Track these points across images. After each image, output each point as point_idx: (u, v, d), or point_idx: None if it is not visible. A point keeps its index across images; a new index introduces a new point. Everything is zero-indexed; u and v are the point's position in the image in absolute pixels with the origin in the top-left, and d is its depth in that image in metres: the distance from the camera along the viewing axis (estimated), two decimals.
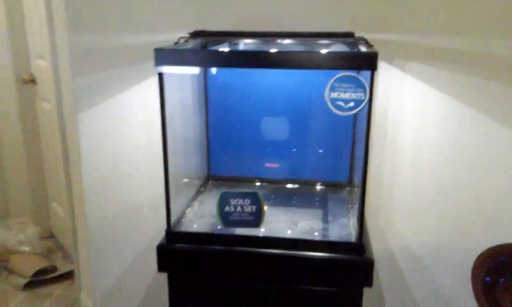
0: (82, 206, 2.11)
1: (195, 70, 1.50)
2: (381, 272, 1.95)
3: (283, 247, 1.34)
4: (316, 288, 1.36)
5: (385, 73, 1.69)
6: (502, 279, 1.44)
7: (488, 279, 1.41)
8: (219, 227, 1.42)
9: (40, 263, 2.66)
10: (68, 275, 2.65)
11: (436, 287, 1.91)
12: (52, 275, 2.62)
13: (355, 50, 1.26)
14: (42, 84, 2.74)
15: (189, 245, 1.37)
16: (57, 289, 2.55)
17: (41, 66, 2.69)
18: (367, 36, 1.55)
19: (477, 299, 1.32)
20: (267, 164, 1.86)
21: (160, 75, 1.27)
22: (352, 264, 1.30)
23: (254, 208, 1.36)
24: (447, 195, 1.81)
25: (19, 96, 2.88)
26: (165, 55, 1.25)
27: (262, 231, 1.39)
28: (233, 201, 1.36)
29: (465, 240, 1.71)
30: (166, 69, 1.26)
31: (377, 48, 1.44)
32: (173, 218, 1.43)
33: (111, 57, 1.87)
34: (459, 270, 1.77)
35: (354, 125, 1.69)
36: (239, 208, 1.37)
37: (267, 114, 1.75)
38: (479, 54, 1.65)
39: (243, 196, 1.36)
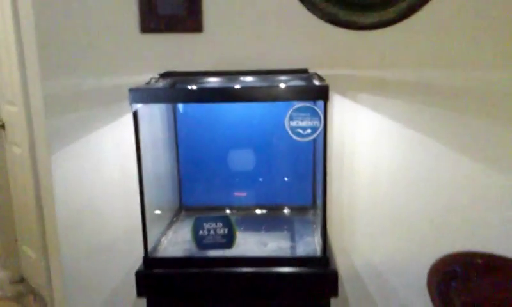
0: (56, 244, 2.15)
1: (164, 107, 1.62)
2: (347, 288, 2.08)
3: (255, 265, 1.45)
4: (287, 301, 1.46)
5: (339, 104, 1.87)
6: (453, 283, 1.60)
7: (442, 286, 1.56)
8: (193, 251, 1.51)
9: None
10: None
11: (398, 298, 2.05)
12: None
13: (309, 84, 1.42)
14: (12, 128, 2.79)
15: (166, 269, 1.47)
16: None
17: (11, 111, 2.75)
18: (320, 72, 1.73)
19: (433, 301, 1.46)
20: (236, 193, 1.98)
21: (135, 113, 1.39)
22: (318, 276, 1.43)
23: (226, 230, 1.48)
24: (400, 214, 1.97)
25: None
26: (139, 94, 1.37)
27: (234, 252, 1.50)
28: (206, 225, 1.47)
29: (419, 253, 1.85)
30: (140, 106, 1.38)
31: (330, 82, 1.62)
32: (149, 246, 1.51)
33: (83, 99, 1.97)
34: (416, 281, 1.91)
35: (314, 152, 1.85)
36: (212, 232, 1.48)
37: (234, 146, 1.89)
38: (422, 83, 1.85)
39: (215, 219, 1.47)
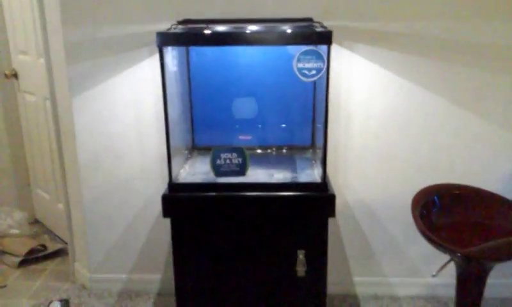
0: (76, 184, 2.36)
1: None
2: (340, 223, 2.33)
3: (265, 190, 1.68)
4: (291, 221, 1.70)
5: (336, 53, 2.06)
6: (434, 209, 1.85)
7: (423, 211, 1.80)
8: (210, 178, 1.74)
9: (31, 243, 2.87)
10: (58, 254, 2.87)
11: (386, 231, 2.31)
12: (43, 253, 2.83)
13: (314, 30, 1.61)
14: (25, 78, 2.95)
15: (188, 193, 1.69)
16: (50, 265, 2.77)
17: (24, 60, 2.90)
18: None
19: (418, 225, 1.70)
20: (242, 136, 2.19)
21: (161, 54, 1.57)
22: (319, 199, 1.66)
23: (240, 160, 1.70)
24: (389, 155, 2.21)
25: (1, 90, 3.06)
26: (165, 37, 1.56)
27: (246, 180, 1.72)
28: (223, 155, 1.69)
29: (406, 190, 2.06)
30: (165, 49, 1.57)
31: None
32: (173, 177, 1.73)
33: (102, 47, 2.14)
34: (402, 214, 2.14)
35: (314, 98, 2.05)
36: (228, 161, 1.70)
37: (242, 91, 2.08)
38: (415, 35, 2.05)
39: (231, 150, 1.69)
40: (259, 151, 2.14)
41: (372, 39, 2.05)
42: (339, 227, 2.33)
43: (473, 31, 2.02)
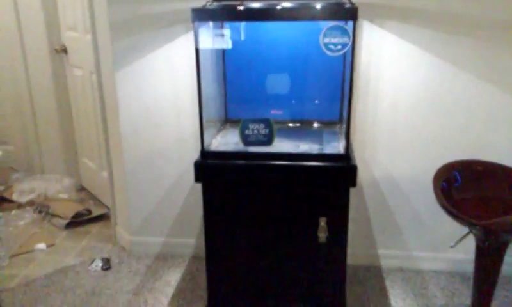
0: (119, 153, 2.54)
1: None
2: (367, 197, 2.40)
3: (290, 159, 1.78)
4: (315, 190, 1.80)
5: (367, 30, 2.12)
6: (455, 184, 1.89)
7: (444, 184, 1.85)
8: (239, 147, 1.85)
9: (77, 207, 3.10)
10: (101, 218, 3.08)
11: (411, 206, 2.37)
12: (88, 216, 3.06)
13: (341, 6, 1.68)
14: (73, 53, 3.15)
15: (218, 160, 1.81)
16: (94, 228, 2.99)
17: (72, 36, 3.09)
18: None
19: (438, 197, 1.75)
20: (273, 111, 2.28)
21: (196, 30, 1.68)
22: (341, 169, 1.75)
23: (267, 130, 1.80)
24: (418, 131, 2.25)
25: (52, 64, 3.28)
26: (200, 13, 1.67)
27: (273, 149, 1.82)
28: (251, 126, 1.80)
29: (433, 167, 2.10)
30: (200, 25, 1.68)
31: (360, 9, 1.86)
32: (204, 145, 1.85)
33: (143, 24, 2.28)
34: (429, 190, 2.19)
35: (343, 73, 2.12)
36: (255, 131, 1.81)
37: (273, 67, 2.17)
38: (446, 13, 2.07)
39: (259, 121, 1.80)
40: (289, 125, 2.23)
41: (402, 16, 2.08)
42: (365, 201, 2.40)
43: (504, 8, 2.01)
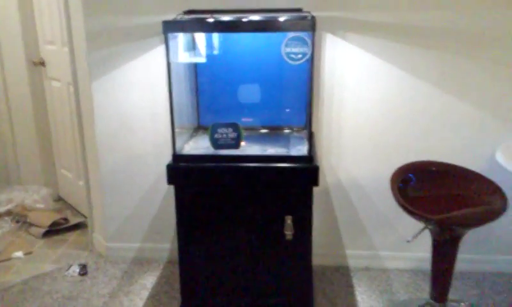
0: (95, 161, 2.62)
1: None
2: (334, 200, 2.53)
3: (257, 161, 1.89)
4: (281, 190, 1.91)
5: (330, 41, 2.26)
6: (411, 183, 2.03)
7: (401, 184, 1.99)
8: (209, 151, 1.96)
9: (54, 216, 3.15)
10: (78, 227, 3.14)
11: (376, 208, 2.50)
12: (65, 225, 3.11)
13: (301, 18, 1.82)
14: (51, 65, 3.23)
15: (190, 163, 1.92)
16: (71, 236, 3.05)
17: (50, 50, 3.18)
18: (315, 14, 2.11)
19: (395, 196, 1.89)
20: (243, 119, 2.40)
21: (166, 40, 1.80)
22: (304, 169, 1.87)
23: (235, 134, 1.92)
24: (379, 137, 2.40)
25: (30, 77, 3.35)
26: (171, 25, 1.79)
27: (241, 152, 1.94)
28: (220, 130, 1.91)
29: (392, 169, 2.25)
30: (172, 35, 1.80)
31: (322, 22, 2.02)
32: (176, 149, 1.96)
33: (119, 36, 2.39)
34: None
35: (310, 83, 2.24)
36: (224, 135, 1.92)
37: (244, 76, 2.30)
38: (405, 24, 2.23)
39: (227, 125, 1.92)
40: (259, 131, 2.35)
41: (362, 28, 2.24)
42: (332, 204, 2.52)
43: (457, 21, 2.18)
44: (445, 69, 2.25)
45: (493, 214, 1.83)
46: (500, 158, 1.97)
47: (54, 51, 3.12)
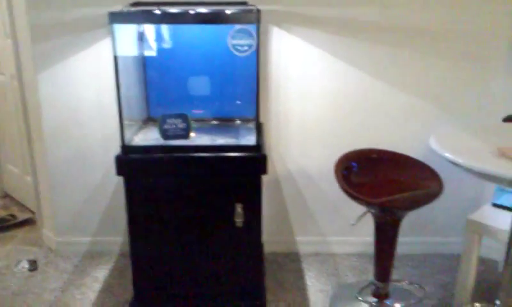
0: (43, 156, 2.57)
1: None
2: (283, 188, 2.61)
3: (206, 151, 1.93)
4: (230, 179, 1.96)
5: (276, 35, 2.33)
6: (354, 170, 2.14)
7: (345, 172, 2.09)
8: (159, 142, 1.98)
9: (0, 213, 3.06)
10: (26, 223, 3.07)
11: (323, 195, 2.60)
12: (13, 221, 3.03)
13: (246, 11, 1.87)
14: None
15: (139, 154, 1.93)
16: (19, 232, 2.98)
17: None
18: (260, 7, 2.17)
19: (339, 182, 1.98)
20: (194, 110, 2.43)
21: (113, 32, 1.80)
22: (252, 159, 1.93)
23: (184, 124, 1.95)
24: (324, 127, 2.49)
25: None
26: (117, 16, 1.79)
27: (191, 143, 1.97)
28: (169, 121, 1.94)
29: (337, 157, 2.35)
30: (117, 27, 1.80)
31: (268, 15, 2.07)
32: (125, 141, 1.96)
33: (64, 28, 2.35)
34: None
35: (257, 75, 2.30)
36: (173, 125, 1.95)
37: (193, 68, 2.33)
38: (346, 19, 2.33)
39: (176, 116, 1.94)
40: (210, 122, 2.38)
41: (307, 22, 2.32)
42: (282, 192, 2.60)
43: (393, 15, 2.31)
44: (384, 61, 2.37)
45: (430, 197, 1.95)
46: (433, 144, 2.10)
47: None
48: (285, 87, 2.42)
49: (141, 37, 2.24)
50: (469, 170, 1.55)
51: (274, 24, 2.31)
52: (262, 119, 2.37)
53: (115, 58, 1.84)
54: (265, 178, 2.00)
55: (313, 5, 2.29)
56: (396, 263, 2.46)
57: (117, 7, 2.06)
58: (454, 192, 2.52)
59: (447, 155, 1.62)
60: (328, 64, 2.39)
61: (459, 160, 1.57)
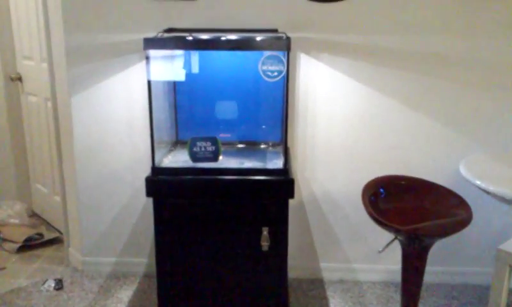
0: (73, 177, 2.63)
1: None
2: (309, 213, 2.60)
3: (234, 174, 1.95)
4: (257, 202, 1.97)
5: (304, 61, 2.36)
6: (381, 196, 2.13)
7: (372, 197, 2.08)
8: (188, 164, 2.02)
9: (28, 231, 3.13)
10: (53, 242, 3.12)
11: (349, 220, 2.58)
12: (40, 240, 3.09)
13: (277, 39, 1.91)
14: (29, 80, 3.24)
15: (168, 176, 1.96)
16: (46, 251, 3.03)
17: (28, 65, 3.19)
18: (290, 35, 2.22)
19: (366, 208, 1.97)
20: (221, 134, 2.46)
21: (148, 58, 1.86)
22: (279, 182, 1.94)
23: (213, 147, 1.98)
24: (351, 151, 2.50)
25: (6, 91, 3.34)
26: (151, 42, 1.85)
27: (219, 165, 2.00)
28: (198, 143, 1.97)
29: (363, 182, 2.34)
30: (151, 52, 1.86)
31: (297, 42, 2.11)
32: (155, 162, 2.00)
33: (99, 52, 2.43)
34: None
35: (285, 100, 2.34)
36: (203, 148, 1.98)
37: (222, 93, 2.37)
38: (371, 47, 2.35)
39: (206, 139, 1.98)
40: (237, 146, 2.41)
41: (333, 49, 2.35)
42: (307, 217, 2.60)
43: (421, 43, 2.32)
44: (410, 87, 2.38)
45: (458, 225, 1.93)
46: (463, 171, 2.09)
47: (32, 66, 3.13)
48: (312, 111, 2.44)
49: (173, 62, 2.30)
50: (500, 198, 1.53)
51: (302, 51, 2.35)
52: (288, 143, 2.38)
53: (149, 82, 1.90)
54: (290, 202, 2.00)
55: (339, 33, 2.33)
56: (423, 293, 2.42)
57: (149, 34, 2.13)
58: (483, 221, 2.48)
59: (478, 182, 1.61)
60: (354, 90, 2.41)
61: (490, 188, 1.55)
